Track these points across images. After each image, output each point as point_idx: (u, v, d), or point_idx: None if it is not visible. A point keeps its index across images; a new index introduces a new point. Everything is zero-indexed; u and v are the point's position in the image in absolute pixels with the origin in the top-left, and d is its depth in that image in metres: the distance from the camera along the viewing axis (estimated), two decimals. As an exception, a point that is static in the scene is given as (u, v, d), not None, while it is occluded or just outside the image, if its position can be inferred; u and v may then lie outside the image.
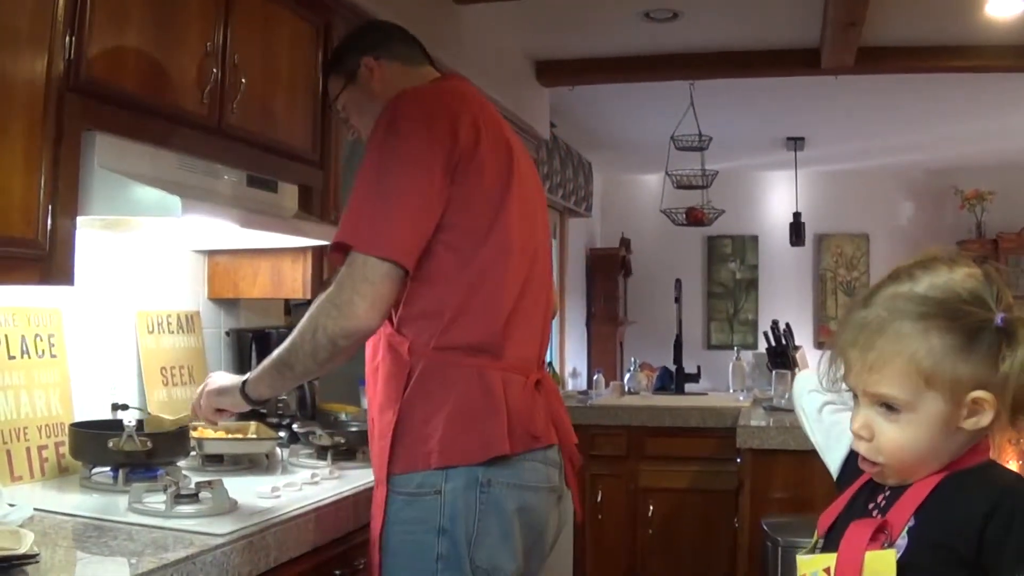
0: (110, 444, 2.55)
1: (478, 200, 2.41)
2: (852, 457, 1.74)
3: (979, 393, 1.48)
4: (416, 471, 2.35)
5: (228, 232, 2.97)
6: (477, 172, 2.40)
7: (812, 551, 1.68)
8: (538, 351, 2.61)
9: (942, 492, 1.52)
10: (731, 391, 6.63)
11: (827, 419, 1.93)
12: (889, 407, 1.53)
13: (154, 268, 3.33)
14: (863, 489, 1.66)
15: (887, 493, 1.59)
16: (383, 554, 2.37)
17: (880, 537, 1.52)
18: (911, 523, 1.51)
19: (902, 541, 1.50)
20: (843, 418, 1.84)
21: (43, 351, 2.79)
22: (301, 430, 3.19)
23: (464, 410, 2.37)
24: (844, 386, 1.62)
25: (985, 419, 1.49)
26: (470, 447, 2.36)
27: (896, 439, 1.53)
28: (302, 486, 2.71)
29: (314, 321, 2.31)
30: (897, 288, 1.57)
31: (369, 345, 2.50)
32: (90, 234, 2.81)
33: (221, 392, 2.54)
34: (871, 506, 1.61)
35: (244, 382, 2.48)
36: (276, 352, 2.41)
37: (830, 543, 1.63)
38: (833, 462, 1.86)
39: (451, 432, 2.35)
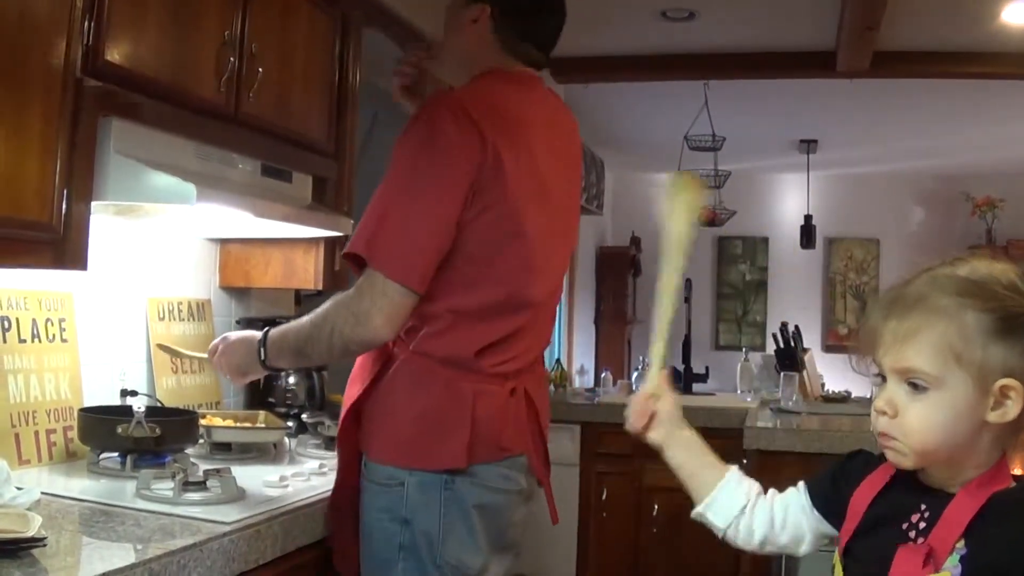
0: (119, 430, 2.56)
1: (488, 225, 2.40)
2: (817, 483, 1.76)
3: (1008, 380, 1.47)
4: (383, 464, 2.42)
5: (241, 221, 2.98)
6: (497, 199, 2.39)
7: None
8: (532, 361, 2.63)
9: (992, 514, 1.48)
10: (739, 392, 6.62)
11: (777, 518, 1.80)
12: (915, 386, 1.52)
13: (166, 255, 3.33)
14: (882, 507, 1.61)
15: (924, 513, 1.54)
16: (362, 536, 2.45)
17: (929, 564, 1.48)
18: (963, 550, 1.47)
19: (955, 570, 1.46)
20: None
21: (54, 335, 2.79)
22: (310, 420, 3.19)
23: (429, 417, 2.42)
24: (873, 370, 1.61)
25: (1012, 411, 1.48)
26: (430, 454, 2.40)
27: (920, 417, 1.51)
28: (310, 476, 2.71)
29: (331, 323, 2.37)
30: (938, 271, 1.58)
31: None
32: (104, 220, 2.81)
33: (240, 354, 2.58)
34: (905, 526, 1.56)
35: (263, 352, 2.51)
36: (293, 335, 2.47)
37: (856, 565, 1.61)
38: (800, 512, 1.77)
39: (414, 435, 2.41)
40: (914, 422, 1.52)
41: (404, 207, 2.34)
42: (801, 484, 1.80)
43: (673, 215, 1.89)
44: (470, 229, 2.37)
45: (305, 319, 2.45)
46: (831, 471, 1.75)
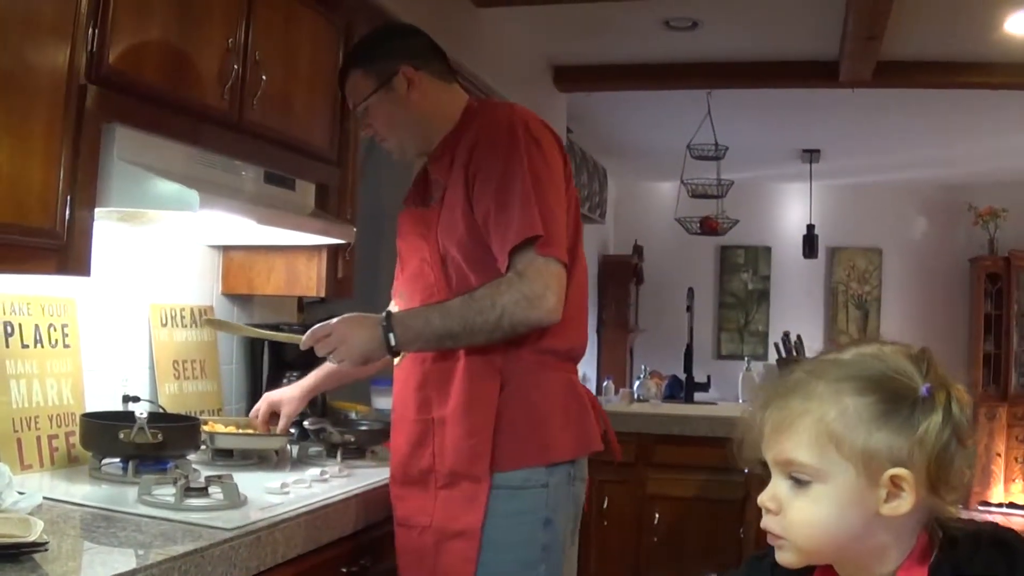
0: (121, 435, 2.56)
1: (571, 219, 2.61)
2: None
3: (898, 471, 1.33)
4: (521, 468, 2.50)
5: (244, 228, 2.98)
6: (570, 196, 2.62)
7: None
8: None
9: None
10: (740, 401, 6.63)
11: None
12: (799, 481, 1.39)
13: (169, 262, 3.33)
14: None
15: None
16: (484, 548, 2.47)
17: None
18: None
19: None
20: None
21: (56, 341, 2.79)
22: (312, 427, 3.19)
23: (564, 411, 2.57)
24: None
25: (905, 504, 1.34)
26: (572, 444, 2.57)
27: (803, 513, 1.39)
28: (311, 483, 2.71)
29: (500, 307, 2.44)
30: (823, 356, 1.47)
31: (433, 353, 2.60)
32: (107, 226, 2.81)
33: (362, 340, 2.56)
34: None
35: (391, 338, 2.52)
36: (440, 319, 2.50)
37: None
38: None
39: (555, 431, 2.54)
40: (797, 518, 1.39)
41: (543, 196, 2.48)
42: None
43: None
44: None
45: (453, 303, 2.50)
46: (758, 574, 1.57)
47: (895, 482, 1.34)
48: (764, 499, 1.43)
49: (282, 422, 3.05)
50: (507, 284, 2.44)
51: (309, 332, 2.62)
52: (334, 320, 2.60)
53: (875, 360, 1.40)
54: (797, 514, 1.40)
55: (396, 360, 2.69)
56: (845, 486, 1.36)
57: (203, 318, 3.22)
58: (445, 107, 2.70)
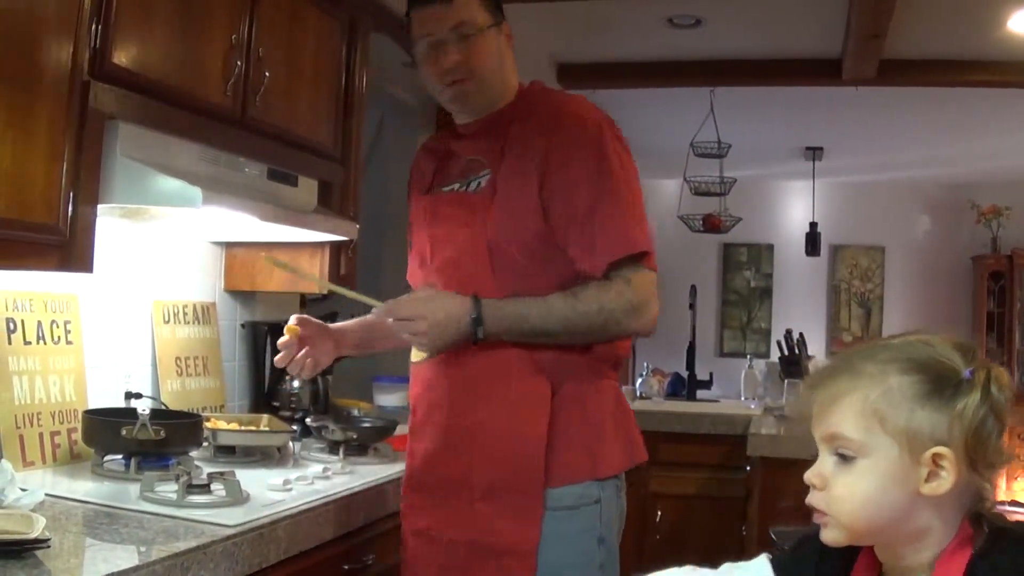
0: (123, 432, 2.56)
1: None
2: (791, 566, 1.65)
3: (940, 449, 1.38)
4: (574, 483, 2.36)
5: (247, 225, 2.98)
6: None
7: None
8: None
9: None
10: (743, 399, 6.62)
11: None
12: (844, 457, 1.45)
13: (171, 258, 3.34)
14: None
15: None
16: (541, 569, 2.32)
17: None
18: None
19: None
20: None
21: (59, 337, 2.79)
22: (314, 424, 3.19)
23: (614, 421, 2.46)
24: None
25: (946, 483, 1.39)
26: (622, 456, 2.46)
27: (847, 487, 1.44)
28: (314, 480, 2.71)
29: (608, 313, 2.35)
30: (871, 342, 1.54)
31: (471, 349, 2.38)
32: (110, 222, 2.81)
33: (450, 333, 2.33)
34: None
35: (481, 329, 2.32)
36: (539, 318, 2.33)
37: None
38: None
39: (608, 443, 2.42)
40: (842, 492, 1.45)
41: (642, 209, 2.49)
42: (764, 558, 1.73)
43: None
44: None
45: (554, 300, 2.33)
46: (806, 556, 1.62)
47: (936, 461, 1.39)
48: (810, 475, 1.50)
49: (307, 372, 2.72)
50: (617, 290, 2.35)
51: (392, 308, 2.37)
52: (424, 302, 2.35)
53: (923, 345, 1.46)
54: (841, 489, 1.45)
55: (417, 358, 2.52)
56: (888, 462, 1.41)
57: (266, 256, 2.99)
58: (513, 77, 2.60)
